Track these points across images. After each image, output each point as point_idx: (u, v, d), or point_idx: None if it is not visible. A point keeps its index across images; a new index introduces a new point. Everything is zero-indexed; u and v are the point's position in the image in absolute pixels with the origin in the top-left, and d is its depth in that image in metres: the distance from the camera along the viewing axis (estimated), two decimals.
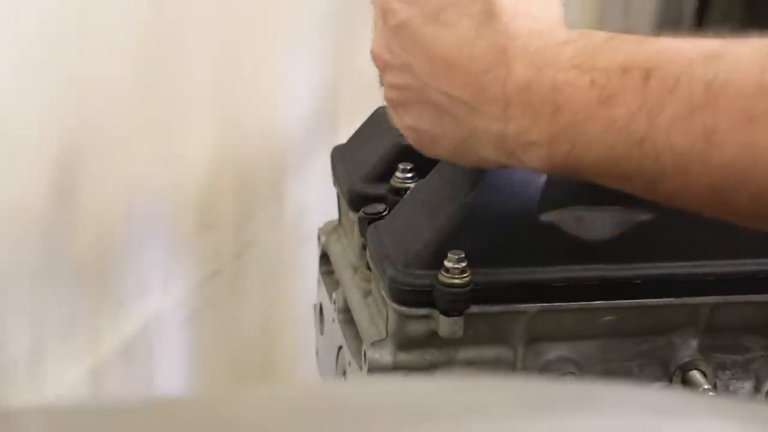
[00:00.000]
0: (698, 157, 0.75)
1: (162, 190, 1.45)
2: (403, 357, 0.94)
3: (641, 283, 0.93)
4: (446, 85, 0.85)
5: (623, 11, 3.54)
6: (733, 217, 0.79)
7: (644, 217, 0.93)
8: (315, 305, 1.12)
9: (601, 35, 0.80)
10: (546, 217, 0.92)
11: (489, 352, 0.95)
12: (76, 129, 1.26)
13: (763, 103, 0.73)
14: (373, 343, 0.94)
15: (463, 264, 0.89)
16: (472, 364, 0.95)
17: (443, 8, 0.86)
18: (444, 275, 0.89)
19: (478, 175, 0.91)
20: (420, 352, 0.94)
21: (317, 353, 1.14)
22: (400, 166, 1.00)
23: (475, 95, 0.83)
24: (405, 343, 0.93)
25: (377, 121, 1.08)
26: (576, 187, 0.91)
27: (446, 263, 0.89)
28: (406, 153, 1.01)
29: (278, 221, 1.73)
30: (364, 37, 1.83)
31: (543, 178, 0.91)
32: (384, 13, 0.90)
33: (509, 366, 0.95)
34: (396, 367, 0.94)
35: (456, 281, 0.89)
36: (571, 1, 3.03)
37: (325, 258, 1.08)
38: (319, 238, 1.11)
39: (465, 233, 0.91)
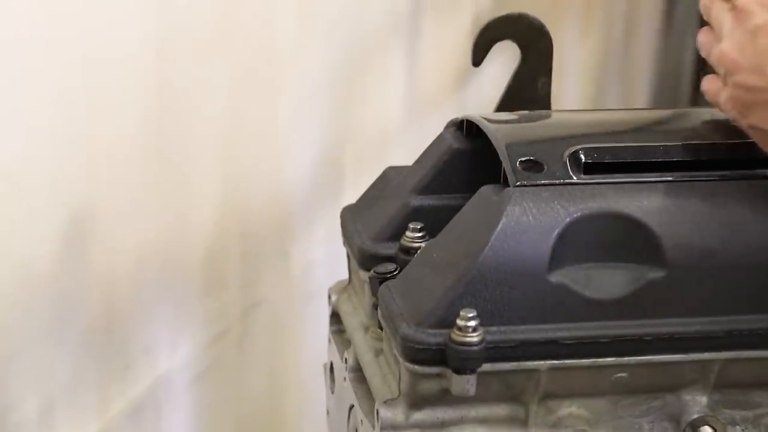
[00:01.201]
0: None
1: (169, 251, 1.46)
2: (416, 415, 0.93)
3: (651, 340, 0.93)
4: None
5: (620, 89, 3.57)
6: None
7: (655, 274, 0.93)
8: (325, 364, 1.12)
9: None
10: (555, 276, 0.92)
11: (501, 410, 0.95)
12: (86, 193, 1.27)
13: None
14: (385, 402, 0.94)
15: (475, 322, 0.89)
16: (485, 423, 0.95)
17: None
18: (456, 333, 0.89)
19: (488, 236, 0.92)
20: (432, 410, 0.94)
21: (328, 412, 1.14)
22: (410, 226, 1.01)
23: None
24: (417, 401, 0.93)
25: (386, 181, 1.09)
26: (586, 246, 0.93)
27: (458, 321, 0.89)
28: (415, 213, 1.03)
29: (285, 280, 1.73)
30: (368, 98, 1.85)
31: (553, 238, 0.92)
32: (740, 15, 0.93)
33: (522, 423, 0.95)
34: (409, 426, 0.93)
35: (468, 339, 0.88)
36: (569, 75, 3.05)
37: (335, 317, 1.09)
38: (329, 297, 1.11)
39: (476, 292, 0.91)
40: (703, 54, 1.00)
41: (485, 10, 2.54)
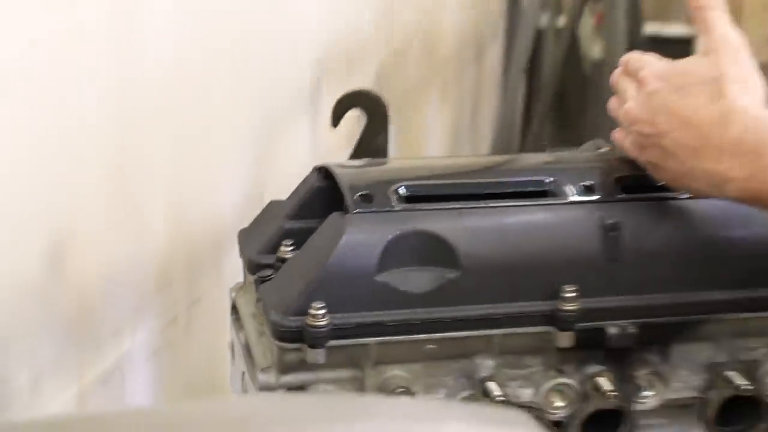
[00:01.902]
0: None
1: (129, 261, 1.44)
2: (284, 378, 0.93)
3: (450, 321, 0.93)
4: (680, 135, 0.91)
5: (470, 140, 3.60)
6: None
7: (452, 274, 0.93)
8: (228, 343, 1.11)
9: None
10: (381, 277, 0.92)
11: (345, 373, 0.94)
12: (64, 217, 1.25)
13: None
14: (262, 369, 0.94)
15: (323, 311, 0.89)
16: (334, 382, 0.94)
17: (686, 84, 0.92)
18: (310, 319, 0.89)
19: (332, 249, 0.92)
20: (296, 374, 0.93)
21: (230, 378, 1.13)
22: (284, 242, 1.00)
23: (700, 144, 0.90)
24: (285, 368, 0.93)
25: (269, 210, 1.09)
26: (403, 255, 0.93)
27: (310, 311, 0.89)
28: (288, 233, 1.02)
29: (218, 281, 1.71)
30: (282, 148, 1.84)
31: (379, 250, 0.92)
32: (641, 83, 0.96)
33: (360, 382, 0.94)
34: (279, 386, 0.93)
35: (318, 323, 0.89)
36: (433, 132, 3.07)
37: (234, 308, 1.08)
38: (230, 293, 1.11)
39: (324, 289, 0.90)
40: (613, 114, 1.02)
41: (370, 83, 2.56)
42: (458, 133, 3.53)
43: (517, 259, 0.94)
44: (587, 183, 0.99)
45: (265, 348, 0.96)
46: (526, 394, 0.97)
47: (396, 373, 0.95)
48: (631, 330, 0.96)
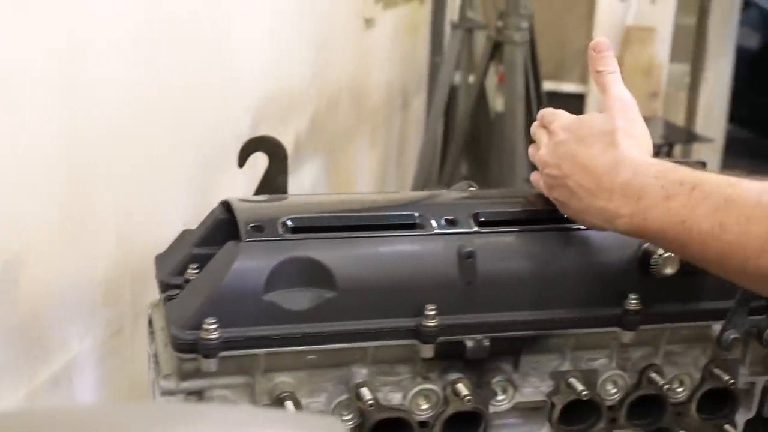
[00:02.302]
0: (713, 236, 0.82)
1: (80, 275, 1.42)
2: (183, 384, 0.90)
3: (328, 335, 0.91)
4: (580, 178, 0.93)
5: (396, 179, 3.59)
6: (728, 275, 0.86)
7: (330, 294, 0.91)
8: (147, 353, 1.09)
9: (668, 162, 0.90)
10: (268, 297, 0.90)
11: (238, 379, 0.92)
12: (18, 235, 1.23)
13: (758, 210, 0.79)
14: (164, 376, 0.91)
15: (215, 326, 0.87)
16: (228, 388, 0.92)
17: (586, 136, 0.94)
18: (203, 333, 0.87)
19: (226, 272, 0.90)
20: (193, 381, 0.91)
21: (148, 384, 1.10)
22: (190, 266, 0.98)
23: (595, 186, 0.91)
24: (183, 375, 0.90)
25: (182, 238, 1.06)
26: (288, 277, 0.91)
27: (204, 326, 0.86)
28: (194, 258, 1.00)
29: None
30: (215, 185, 1.81)
31: (266, 273, 0.90)
32: (551, 134, 0.98)
33: (251, 387, 0.92)
34: (178, 392, 0.90)
35: (210, 337, 0.86)
36: (363, 172, 3.06)
37: (150, 322, 1.05)
38: (148, 309, 1.08)
39: (217, 307, 0.88)
40: (531, 158, 1.03)
41: (304, 129, 2.54)
42: (386, 171, 3.53)
43: (387, 282, 0.93)
44: (449, 217, 0.98)
45: (169, 358, 0.93)
46: (396, 398, 0.96)
47: (283, 379, 0.93)
48: (486, 343, 0.95)
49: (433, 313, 0.92)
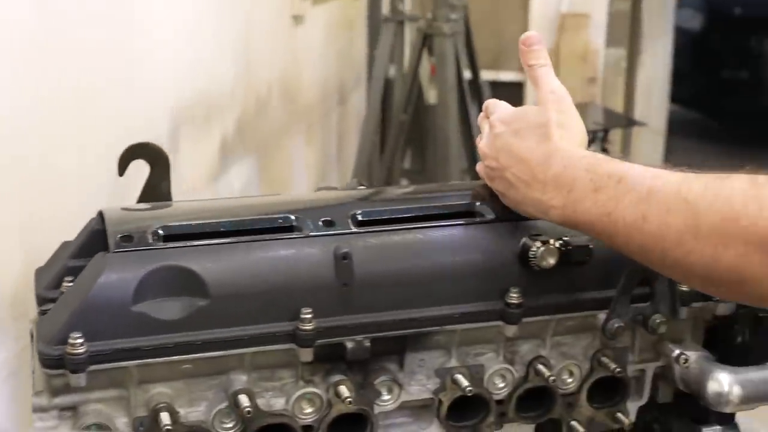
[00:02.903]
0: (636, 227, 0.83)
1: None
2: (55, 401, 0.88)
3: (202, 344, 0.89)
4: (516, 170, 0.95)
5: (337, 175, 3.58)
6: (651, 265, 0.87)
7: (202, 303, 0.89)
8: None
9: (599, 155, 0.91)
10: (137, 308, 0.88)
11: (111, 393, 0.90)
12: None
13: (677, 202, 0.80)
14: (35, 393, 0.89)
15: (81, 341, 0.84)
16: (101, 402, 0.90)
17: (521, 128, 0.96)
18: (69, 348, 0.84)
19: (93, 284, 0.88)
20: (65, 396, 0.89)
21: None
22: (66, 279, 0.96)
23: (530, 178, 0.93)
24: (55, 391, 0.88)
25: (61, 250, 1.04)
26: (158, 287, 0.90)
27: (69, 341, 0.84)
28: (70, 270, 0.98)
29: None
30: (135, 193, 1.78)
31: (135, 283, 0.88)
32: (491, 127, 1.00)
33: (126, 400, 0.90)
34: (51, 408, 0.88)
35: (76, 351, 0.84)
36: (299, 169, 3.04)
37: (31, 336, 1.03)
38: (30, 325, 1.06)
39: (83, 320, 0.86)
40: (480, 152, 1.04)
41: (231, 130, 2.52)
42: (326, 165, 3.52)
43: (261, 287, 0.91)
44: (327, 219, 0.97)
45: (41, 374, 0.91)
46: (279, 403, 0.95)
47: (160, 390, 0.92)
48: (366, 344, 0.94)
49: (309, 316, 0.91)
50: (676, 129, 5.39)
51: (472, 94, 3.30)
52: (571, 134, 0.94)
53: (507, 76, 4.16)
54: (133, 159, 1.06)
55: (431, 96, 3.14)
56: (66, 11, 1.60)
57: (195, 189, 2.23)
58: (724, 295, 0.84)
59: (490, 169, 0.99)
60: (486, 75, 3.83)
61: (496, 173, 0.98)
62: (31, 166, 1.49)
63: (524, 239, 0.98)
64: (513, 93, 3.98)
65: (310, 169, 3.26)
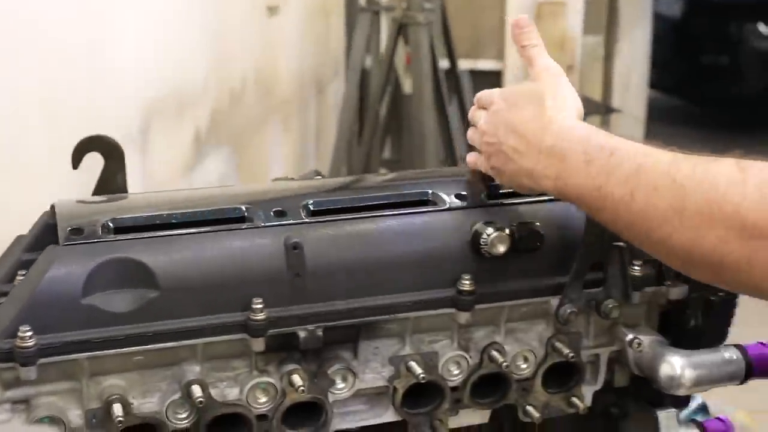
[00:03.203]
0: (623, 204, 0.83)
1: None
2: (8, 394, 0.88)
3: (153, 335, 0.89)
4: (513, 142, 0.95)
5: (315, 163, 3.57)
6: (636, 243, 0.88)
7: (153, 294, 0.90)
8: None
9: (594, 128, 0.92)
10: (87, 300, 0.88)
11: (64, 385, 0.90)
12: None
13: (665, 182, 0.80)
14: None
15: (30, 334, 0.84)
16: (54, 394, 0.90)
17: (518, 103, 0.97)
18: (18, 341, 0.84)
19: (41, 278, 0.88)
20: (17, 389, 0.89)
21: None
22: (19, 273, 0.96)
23: (525, 148, 0.94)
24: (7, 384, 0.88)
25: (15, 243, 1.03)
26: (108, 279, 0.90)
27: (18, 334, 0.84)
28: (24, 264, 0.97)
29: None
30: None
31: (84, 276, 0.88)
32: (489, 104, 1.01)
33: (78, 392, 0.91)
34: (3, 401, 0.88)
35: (25, 345, 0.84)
36: (276, 158, 3.02)
37: None
38: None
39: (32, 314, 0.86)
40: (469, 141, 1.05)
41: (205, 122, 2.52)
42: (305, 155, 3.53)
43: (211, 279, 0.92)
44: (278, 209, 0.97)
45: None
46: (233, 392, 0.95)
47: (112, 382, 0.92)
48: (319, 333, 0.94)
49: (260, 306, 0.91)
50: (656, 115, 5.40)
51: (450, 83, 3.30)
52: (567, 107, 0.95)
53: (485, 64, 4.17)
54: (87, 152, 1.06)
55: (407, 85, 3.14)
56: (34, 6, 1.60)
57: (170, 181, 2.24)
58: (703, 278, 0.84)
59: (489, 145, 0.99)
60: (464, 64, 3.84)
61: (494, 148, 0.98)
62: (10, 160, 1.49)
63: (476, 227, 0.98)
64: (492, 81, 3.99)
65: (288, 159, 3.27)
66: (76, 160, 1.06)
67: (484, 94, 1.04)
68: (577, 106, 0.97)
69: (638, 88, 4.71)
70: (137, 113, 2.08)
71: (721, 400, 2.12)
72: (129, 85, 2.03)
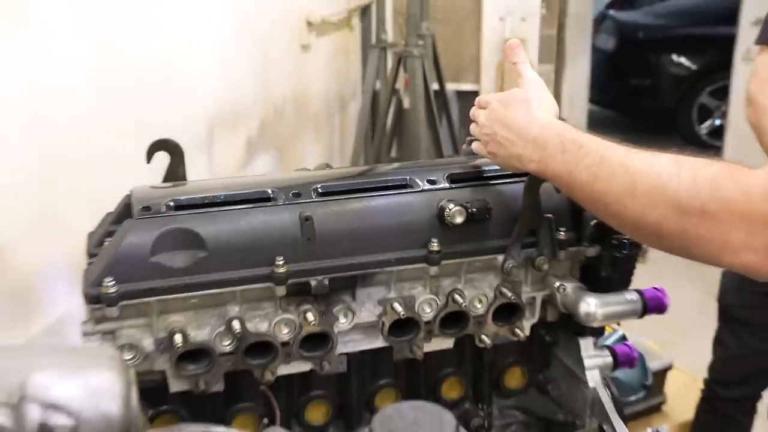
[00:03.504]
0: (588, 184, 0.82)
1: (64, 256, 1.38)
2: (98, 327, 0.90)
3: (203, 284, 0.90)
4: (506, 133, 0.94)
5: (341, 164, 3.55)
6: (597, 215, 0.85)
7: (202, 254, 0.90)
8: None
9: (568, 125, 0.90)
10: (154, 258, 0.89)
11: (140, 321, 0.91)
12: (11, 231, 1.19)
13: (620, 169, 0.79)
14: (83, 321, 0.90)
15: (113, 283, 0.86)
16: (133, 327, 0.91)
17: (510, 103, 0.95)
18: (103, 289, 0.86)
19: (120, 243, 0.88)
20: (105, 324, 0.90)
21: None
22: (107, 240, 0.94)
23: (516, 138, 0.93)
24: (96, 321, 0.89)
25: (104, 219, 1.02)
26: (168, 244, 0.89)
27: (103, 283, 0.86)
28: (109, 233, 0.96)
29: None
30: (188, 176, 1.74)
31: (152, 241, 0.89)
32: (487, 104, 0.99)
33: (150, 326, 0.91)
34: (94, 333, 0.89)
35: (109, 291, 0.86)
36: (310, 160, 2.98)
37: None
38: None
39: (114, 268, 0.88)
40: (472, 133, 1.03)
41: (255, 132, 2.51)
42: (332, 154, 3.51)
43: (246, 242, 0.92)
44: (295, 191, 0.98)
45: (87, 309, 0.92)
46: (264, 326, 0.96)
47: (174, 318, 0.93)
48: (326, 282, 0.95)
49: (281, 263, 0.92)
50: (595, 124, 5.35)
51: (438, 100, 3.28)
52: (546, 108, 0.94)
53: (466, 86, 4.13)
54: (157, 151, 1.06)
55: (406, 102, 3.12)
56: (124, 48, 1.61)
57: (228, 176, 2.24)
58: (648, 243, 0.83)
59: (486, 135, 0.98)
60: (450, 86, 3.82)
61: (490, 137, 0.97)
62: (98, 163, 1.49)
63: (441, 203, 0.98)
64: (471, 99, 3.95)
65: (319, 158, 3.26)
66: (149, 156, 1.06)
67: (483, 98, 1.03)
68: (554, 107, 0.96)
69: (581, 103, 4.66)
70: (203, 123, 2.08)
71: (638, 333, 2.12)
72: (198, 102, 2.04)
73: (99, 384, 0.44)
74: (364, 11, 3.82)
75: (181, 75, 1.92)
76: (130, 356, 0.91)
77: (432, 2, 3.42)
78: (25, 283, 1.31)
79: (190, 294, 0.91)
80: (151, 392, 0.95)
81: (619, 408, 1.08)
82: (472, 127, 1.05)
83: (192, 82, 1.99)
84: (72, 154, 1.41)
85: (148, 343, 0.92)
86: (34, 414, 0.41)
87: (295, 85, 2.92)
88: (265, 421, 1.01)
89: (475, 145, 1.04)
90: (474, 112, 1.04)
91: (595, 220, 1.02)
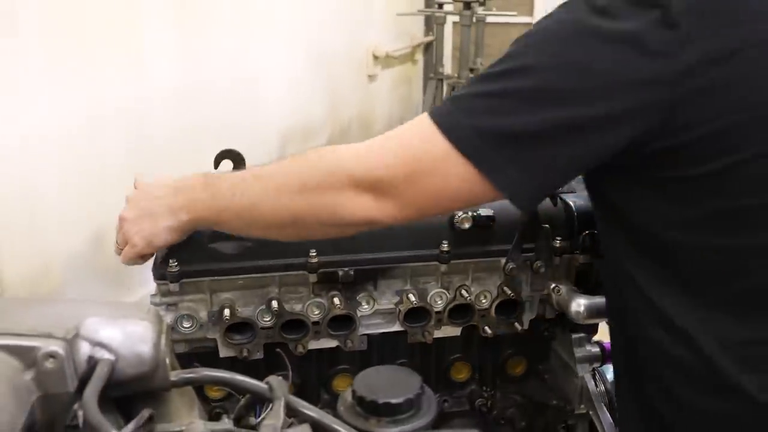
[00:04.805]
0: (232, 204, 0.82)
1: None
2: (163, 299, 0.95)
3: (249, 268, 0.95)
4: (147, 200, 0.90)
5: None
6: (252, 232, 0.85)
7: (248, 243, 0.94)
8: None
9: (199, 176, 0.88)
10: (211, 245, 0.94)
11: (197, 296, 0.96)
12: (102, 217, 1.22)
13: (252, 178, 0.80)
14: (152, 295, 0.96)
15: (175, 263, 0.92)
16: (192, 301, 0.96)
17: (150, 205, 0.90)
18: (168, 269, 0.92)
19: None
20: (168, 297, 0.94)
21: None
22: None
23: (160, 194, 0.89)
24: (162, 294, 0.95)
25: None
26: (223, 232, 0.96)
27: (169, 263, 0.92)
28: None
29: None
30: None
31: (211, 230, 0.93)
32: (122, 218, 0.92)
33: (206, 301, 0.96)
34: (160, 304, 0.95)
35: (172, 270, 0.92)
36: None
37: None
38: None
39: (177, 252, 0.93)
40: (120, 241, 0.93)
41: (333, 141, 2.60)
42: None
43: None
44: None
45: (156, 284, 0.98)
46: (298, 307, 1.00)
47: (225, 296, 0.98)
48: (351, 272, 0.98)
49: (314, 254, 0.96)
50: None
51: None
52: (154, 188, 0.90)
53: None
54: (223, 159, 1.12)
55: None
56: (214, 72, 1.70)
57: None
58: (292, 234, 0.83)
59: (133, 220, 0.90)
60: None
61: (137, 216, 0.90)
62: (185, 159, 1.57)
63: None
64: None
65: None
66: (216, 164, 1.12)
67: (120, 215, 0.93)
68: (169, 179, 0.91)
69: None
70: (276, 138, 2.16)
71: None
72: (272, 119, 2.12)
73: (135, 330, 0.48)
74: (428, 47, 3.87)
75: (260, 97, 2.01)
76: (188, 325, 0.97)
77: (487, 40, 3.44)
78: (120, 265, 1.41)
79: (238, 276, 0.96)
80: (206, 356, 1.01)
81: (610, 399, 1.09)
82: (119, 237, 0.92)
83: (268, 104, 2.08)
84: (161, 154, 1.49)
85: (203, 315, 0.98)
86: (84, 349, 0.46)
87: (361, 110, 2.99)
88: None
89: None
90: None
91: (587, 231, 1.03)
